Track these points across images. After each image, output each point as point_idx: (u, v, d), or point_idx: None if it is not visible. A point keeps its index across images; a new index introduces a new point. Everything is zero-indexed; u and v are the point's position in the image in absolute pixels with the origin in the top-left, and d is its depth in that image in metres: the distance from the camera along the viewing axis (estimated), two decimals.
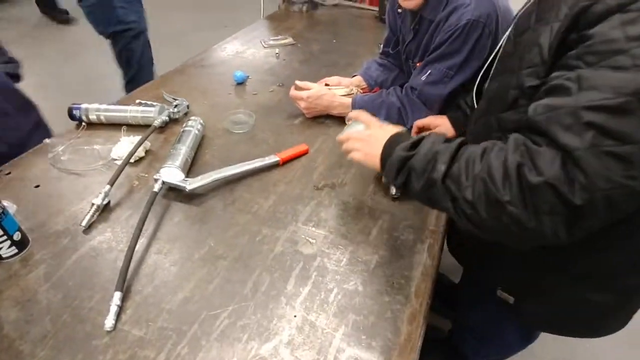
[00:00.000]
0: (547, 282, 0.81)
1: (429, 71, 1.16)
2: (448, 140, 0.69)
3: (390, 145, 0.76)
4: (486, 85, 0.86)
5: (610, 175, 0.50)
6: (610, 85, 0.49)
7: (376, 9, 2.22)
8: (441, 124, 1.16)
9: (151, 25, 2.21)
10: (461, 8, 1.05)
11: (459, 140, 0.68)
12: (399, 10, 1.30)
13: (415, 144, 0.71)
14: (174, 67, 1.59)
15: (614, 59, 0.50)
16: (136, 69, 2.20)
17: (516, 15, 0.80)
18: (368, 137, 0.82)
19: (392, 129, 0.80)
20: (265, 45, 1.81)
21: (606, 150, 0.49)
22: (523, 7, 0.77)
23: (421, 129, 1.19)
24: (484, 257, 0.92)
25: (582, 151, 0.50)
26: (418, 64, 1.24)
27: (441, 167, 0.64)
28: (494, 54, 0.84)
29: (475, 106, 0.93)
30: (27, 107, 1.26)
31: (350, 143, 0.85)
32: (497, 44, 0.85)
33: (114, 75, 2.33)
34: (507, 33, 0.78)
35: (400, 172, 0.71)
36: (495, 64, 0.82)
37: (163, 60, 2.38)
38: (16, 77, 1.33)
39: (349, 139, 0.86)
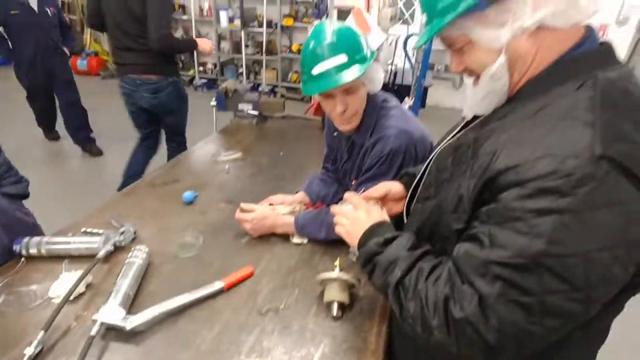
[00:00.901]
0: None
1: (363, 189, 1.27)
2: (415, 246, 0.76)
3: (370, 234, 0.83)
4: (413, 205, 0.95)
5: (515, 321, 0.58)
6: (514, 246, 0.57)
7: (320, 118, 2.44)
8: (394, 186, 1.06)
9: (106, 143, 2.27)
10: (384, 139, 1.21)
11: (423, 249, 0.75)
12: (335, 133, 1.46)
13: (388, 241, 0.78)
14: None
15: (516, 224, 0.57)
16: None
17: (437, 145, 0.89)
18: (354, 219, 0.90)
19: (376, 217, 0.88)
20: (217, 161, 1.91)
21: (512, 299, 0.58)
22: (442, 142, 0.86)
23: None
24: None
25: (493, 298, 0.59)
26: (354, 181, 1.36)
27: (397, 273, 0.72)
28: (416, 179, 0.94)
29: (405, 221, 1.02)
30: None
31: (339, 218, 0.94)
32: (419, 164, 0.94)
33: None
34: (429, 163, 0.86)
35: (368, 263, 0.80)
36: (419, 189, 0.89)
37: (113, 180, 2.41)
38: (24, 196, 1.38)
39: (340, 213, 0.94)
